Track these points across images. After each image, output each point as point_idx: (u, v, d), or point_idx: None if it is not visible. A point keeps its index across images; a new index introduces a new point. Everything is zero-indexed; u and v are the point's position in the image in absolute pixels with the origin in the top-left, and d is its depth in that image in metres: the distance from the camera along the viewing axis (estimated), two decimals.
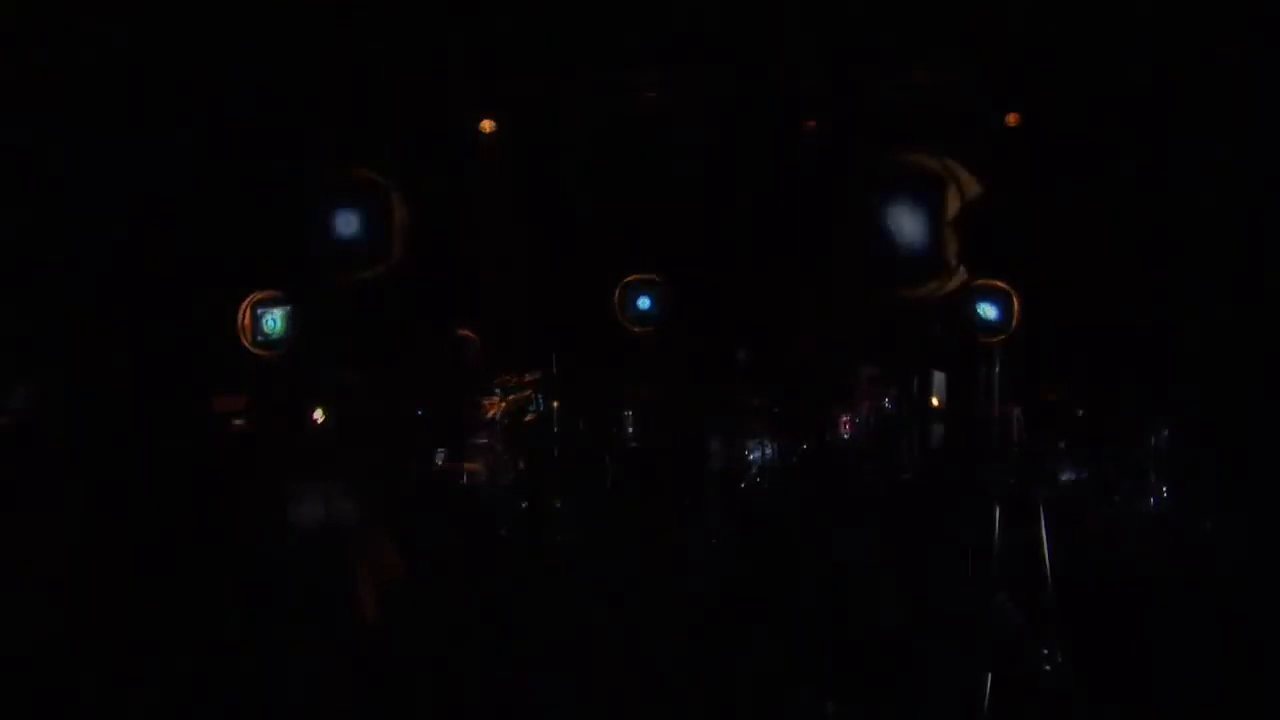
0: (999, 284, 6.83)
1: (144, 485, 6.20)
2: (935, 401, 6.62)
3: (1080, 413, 6.22)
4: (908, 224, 7.19)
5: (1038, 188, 6.74)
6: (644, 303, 7.72)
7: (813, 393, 7.16)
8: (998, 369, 5.80)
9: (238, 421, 6.98)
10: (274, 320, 7.28)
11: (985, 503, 4.42)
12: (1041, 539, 4.34)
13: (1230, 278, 5.93)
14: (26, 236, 6.82)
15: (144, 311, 6.89)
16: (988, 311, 6.77)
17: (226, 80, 7.06)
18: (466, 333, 7.29)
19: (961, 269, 7.00)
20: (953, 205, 7.09)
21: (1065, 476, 5.62)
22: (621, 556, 6.83)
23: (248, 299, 7.32)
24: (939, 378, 6.80)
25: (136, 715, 4.65)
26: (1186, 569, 5.30)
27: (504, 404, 7.07)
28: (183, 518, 6.12)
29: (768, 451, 7.27)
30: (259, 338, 7.24)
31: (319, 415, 7.01)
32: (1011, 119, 7.09)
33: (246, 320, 7.29)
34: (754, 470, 7.24)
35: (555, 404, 7.09)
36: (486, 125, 7.80)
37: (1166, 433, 6.00)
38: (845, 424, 7.07)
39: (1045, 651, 4.28)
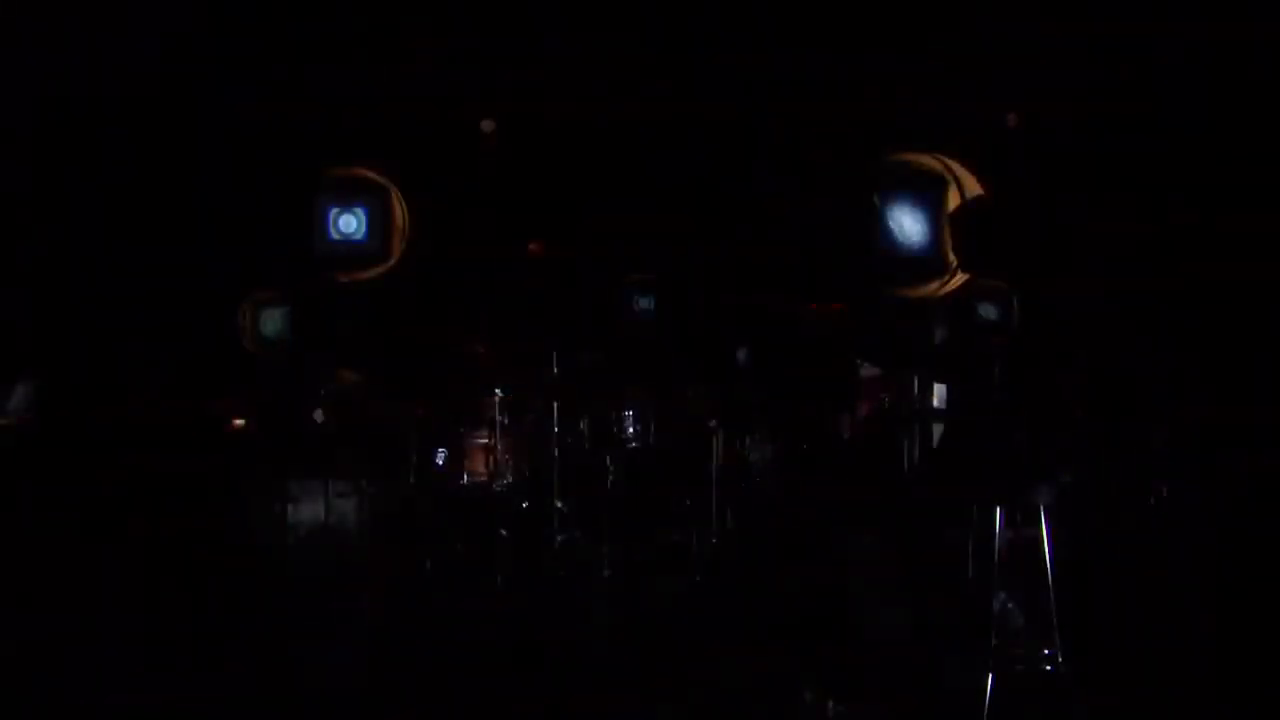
0: (999, 284, 6.83)
1: (145, 486, 6.20)
2: (935, 401, 6.62)
3: (1080, 413, 6.22)
4: (908, 224, 7.19)
5: (1037, 188, 6.74)
6: (644, 303, 7.73)
7: (813, 393, 7.16)
8: (998, 369, 5.79)
9: (238, 421, 6.99)
10: (274, 320, 7.28)
11: (985, 503, 4.42)
12: (1041, 539, 4.33)
13: (1231, 276, 5.93)
14: (26, 237, 6.82)
15: (144, 311, 6.90)
16: (988, 311, 6.78)
17: (227, 80, 7.06)
18: (479, 348, 7.29)
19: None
20: (953, 205, 7.09)
21: (1066, 477, 5.62)
22: (622, 557, 6.84)
23: (248, 299, 7.32)
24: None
25: (138, 712, 4.65)
26: (1187, 568, 5.30)
27: (504, 404, 7.06)
28: (185, 518, 6.12)
29: (768, 451, 7.27)
30: (259, 338, 7.24)
31: (319, 415, 7.01)
32: (1011, 119, 7.08)
33: (246, 320, 7.29)
34: (754, 470, 7.23)
35: (555, 404, 7.08)
36: (486, 125, 7.80)
37: (1167, 432, 6.00)
38: (845, 424, 7.07)
39: (1045, 651, 4.28)
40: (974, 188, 7.09)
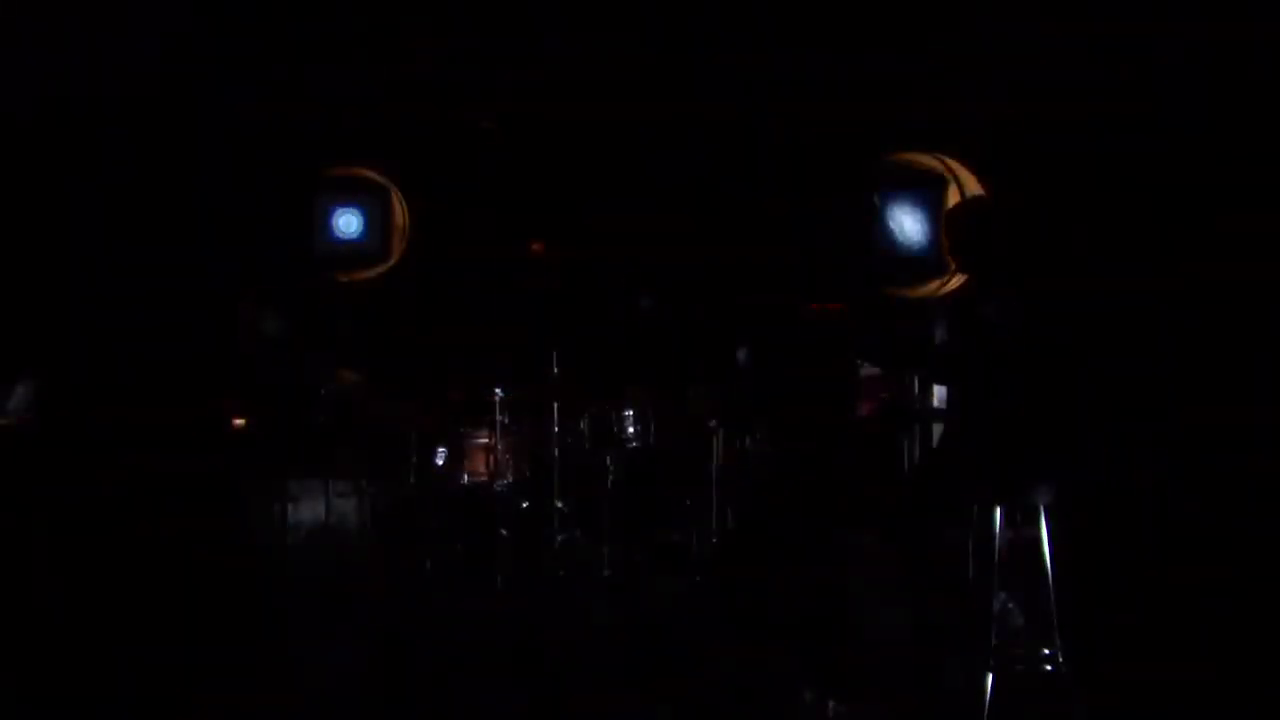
0: (997, 282, 6.81)
1: (145, 486, 6.20)
2: (935, 401, 6.61)
3: (1080, 413, 6.20)
4: (908, 224, 7.19)
5: (1038, 188, 6.73)
6: (644, 303, 7.73)
7: (813, 393, 7.15)
8: (998, 369, 5.79)
9: (238, 421, 6.99)
10: (274, 320, 7.28)
11: (985, 503, 4.42)
12: (1042, 539, 4.33)
13: (1231, 276, 5.93)
14: (26, 236, 6.82)
15: (144, 311, 6.90)
16: (988, 312, 6.75)
17: (227, 80, 7.07)
18: (479, 348, 7.29)
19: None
20: (952, 205, 7.08)
21: (1066, 477, 5.61)
22: (622, 557, 6.84)
23: (247, 299, 7.32)
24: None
25: (139, 713, 4.65)
26: (1186, 569, 5.30)
27: (504, 404, 7.06)
28: (185, 518, 6.13)
29: (767, 451, 7.26)
30: (259, 338, 7.24)
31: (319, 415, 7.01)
32: (1011, 119, 7.07)
33: (246, 320, 7.29)
34: (754, 470, 7.23)
35: (556, 404, 7.09)
36: (487, 125, 7.80)
37: (1167, 432, 5.99)
38: (846, 423, 7.06)
39: (1045, 651, 4.28)
40: (974, 188, 7.08)
